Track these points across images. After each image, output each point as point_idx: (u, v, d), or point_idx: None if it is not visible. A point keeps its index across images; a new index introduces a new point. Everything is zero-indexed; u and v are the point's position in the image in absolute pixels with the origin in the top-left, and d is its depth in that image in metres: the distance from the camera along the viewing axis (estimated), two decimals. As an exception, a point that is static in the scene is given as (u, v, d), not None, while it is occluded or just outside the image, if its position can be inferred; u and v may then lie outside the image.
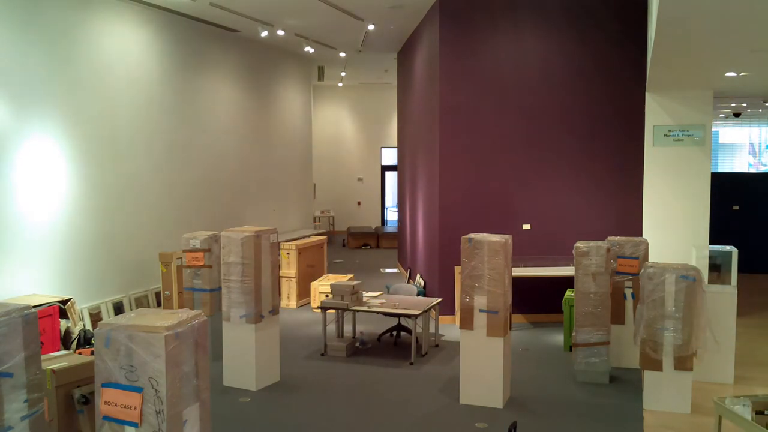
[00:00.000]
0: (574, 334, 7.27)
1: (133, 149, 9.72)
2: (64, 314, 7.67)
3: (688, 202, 9.35)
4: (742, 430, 5.00)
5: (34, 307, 6.74)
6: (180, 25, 10.78)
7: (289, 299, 10.94)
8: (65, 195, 8.50)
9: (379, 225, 20.43)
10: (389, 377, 7.48)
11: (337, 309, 8.37)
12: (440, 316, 9.15)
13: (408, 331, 8.63)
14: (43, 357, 4.45)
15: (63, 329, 7.50)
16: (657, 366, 6.36)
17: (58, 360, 4.76)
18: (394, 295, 8.93)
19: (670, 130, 9.39)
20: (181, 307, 9.05)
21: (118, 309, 9.27)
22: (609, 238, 7.78)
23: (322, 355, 8.25)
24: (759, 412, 4.92)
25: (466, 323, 6.53)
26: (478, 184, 9.71)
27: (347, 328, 8.99)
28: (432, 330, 8.65)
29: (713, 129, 14.00)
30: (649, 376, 6.45)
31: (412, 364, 7.84)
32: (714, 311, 6.60)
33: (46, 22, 8.19)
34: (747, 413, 4.96)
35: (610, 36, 9.55)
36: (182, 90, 10.91)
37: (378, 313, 8.11)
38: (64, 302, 7.75)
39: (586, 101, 9.66)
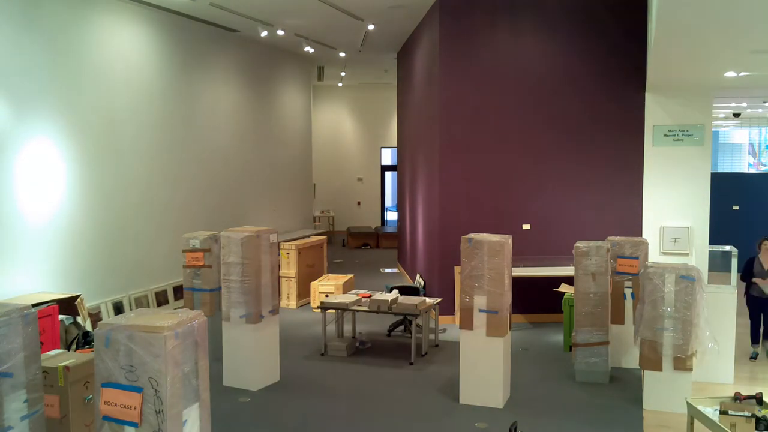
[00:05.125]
0: (574, 334, 7.27)
1: (132, 149, 9.72)
2: (74, 311, 7.69)
3: (688, 202, 9.36)
4: (708, 429, 5.23)
5: (37, 305, 6.77)
6: (180, 25, 10.77)
7: (289, 299, 10.94)
8: (65, 195, 8.50)
9: (379, 225, 20.43)
10: (389, 377, 7.47)
11: (337, 309, 8.37)
12: (440, 316, 9.15)
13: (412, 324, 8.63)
14: (43, 356, 4.46)
15: (68, 325, 7.51)
16: (657, 366, 6.36)
17: (64, 357, 4.75)
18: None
19: (669, 130, 9.40)
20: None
21: (118, 309, 9.28)
22: (609, 238, 7.77)
23: (322, 355, 8.25)
24: (723, 413, 5.11)
25: (466, 323, 6.53)
26: (478, 184, 9.71)
27: (347, 328, 9.00)
28: (432, 330, 8.65)
29: (713, 129, 14.00)
30: (649, 376, 6.45)
31: (412, 364, 7.84)
32: (714, 311, 6.60)
33: (45, 21, 8.18)
34: (713, 414, 5.17)
35: (610, 36, 9.54)
36: (182, 90, 10.90)
37: (378, 312, 8.11)
38: (74, 299, 7.78)
39: (586, 101, 9.65)
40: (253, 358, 7.05)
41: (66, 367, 4.46)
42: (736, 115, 19.92)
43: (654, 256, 9.06)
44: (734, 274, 7.47)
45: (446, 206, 9.77)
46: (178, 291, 10.01)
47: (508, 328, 6.52)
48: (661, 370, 6.35)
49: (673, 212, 9.40)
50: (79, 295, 7.92)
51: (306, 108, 15.83)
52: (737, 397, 5.26)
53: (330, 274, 11.65)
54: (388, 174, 21.14)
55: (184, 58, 10.92)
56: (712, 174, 9.61)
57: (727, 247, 7.79)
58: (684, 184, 9.37)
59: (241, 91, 12.81)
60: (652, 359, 6.37)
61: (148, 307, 9.82)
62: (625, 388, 7.05)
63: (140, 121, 9.88)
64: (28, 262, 7.94)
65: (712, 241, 9.54)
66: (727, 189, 13.38)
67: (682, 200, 9.37)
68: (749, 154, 30.74)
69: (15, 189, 7.75)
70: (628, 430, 6.03)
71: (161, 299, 10.18)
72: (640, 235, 9.36)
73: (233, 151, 12.45)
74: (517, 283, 8.45)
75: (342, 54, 14.28)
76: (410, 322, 8.56)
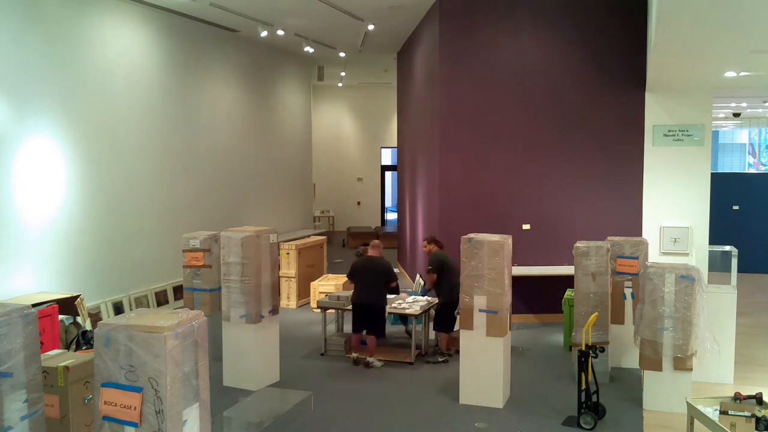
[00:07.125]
0: (574, 334, 7.26)
1: (132, 150, 9.72)
2: (74, 311, 7.69)
3: (688, 202, 9.36)
4: (708, 429, 5.27)
5: (38, 305, 6.76)
6: (180, 25, 10.77)
7: (289, 299, 10.94)
8: (65, 195, 8.50)
9: (379, 225, 20.43)
10: (389, 377, 7.47)
11: (336, 309, 8.37)
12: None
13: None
14: (43, 356, 4.46)
15: (68, 325, 7.51)
16: (657, 366, 6.36)
17: (64, 357, 4.75)
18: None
19: (669, 130, 9.39)
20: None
21: (118, 309, 9.28)
22: (609, 238, 7.77)
23: (322, 354, 8.25)
24: (723, 413, 5.14)
25: (466, 323, 6.53)
26: (478, 184, 9.71)
27: (347, 328, 8.99)
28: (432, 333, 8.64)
29: (713, 129, 14.01)
30: (649, 376, 6.45)
31: (411, 364, 7.84)
32: (714, 311, 6.60)
33: (46, 22, 8.18)
34: (713, 414, 5.21)
35: (610, 36, 9.54)
36: (182, 90, 10.90)
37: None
38: (74, 299, 7.78)
39: (586, 101, 9.65)
40: (253, 358, 7.05)
41: (66, 367, 4.46)
42: (736, 115, 19.91)
43: (654, 256, 9.05)
44: (734, 274, 7.47)
45: (446, 206, 9.76)
46: (178, 291, 10.01)
47: (508, 328, 6.52)
48: (661, 370, 6.35)
49: (673, 212, 9.40)
50: (79, 295, 7.93)
51: (306, 108, 15.83)
52: (737, 397, 5.27)
53: (330, 274, 11.65)
54: (388, 174, 21.14)
55: (184, 58, 10.91)
56: (712, 174, 9.60)
57: (727, 247, 7.78)
58: (684, 184, 9.37)
59: (241, 91, 12.80)
60: (652, 359, 6.37)
61: (148, 307, 9.82)
62: (625, 388, 7.05)
63: (140, 121, 9.88)
64: (29, 262, 7.94)
65: (712, 241, 9.54)
66: (727, 189, 13.38)
67: (682, 200, 9.36)
68: (749, 154, 30.74)
69: (15, 189, 7.75)
70: (628, 430, 6.03)
71: (161, 299, 10.18)
72: (640, 235, 9.36)
73: (233, 151, 12.45)
74: (518, 282, 8.45)
75: (342, 54, 14.28)
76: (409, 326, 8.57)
